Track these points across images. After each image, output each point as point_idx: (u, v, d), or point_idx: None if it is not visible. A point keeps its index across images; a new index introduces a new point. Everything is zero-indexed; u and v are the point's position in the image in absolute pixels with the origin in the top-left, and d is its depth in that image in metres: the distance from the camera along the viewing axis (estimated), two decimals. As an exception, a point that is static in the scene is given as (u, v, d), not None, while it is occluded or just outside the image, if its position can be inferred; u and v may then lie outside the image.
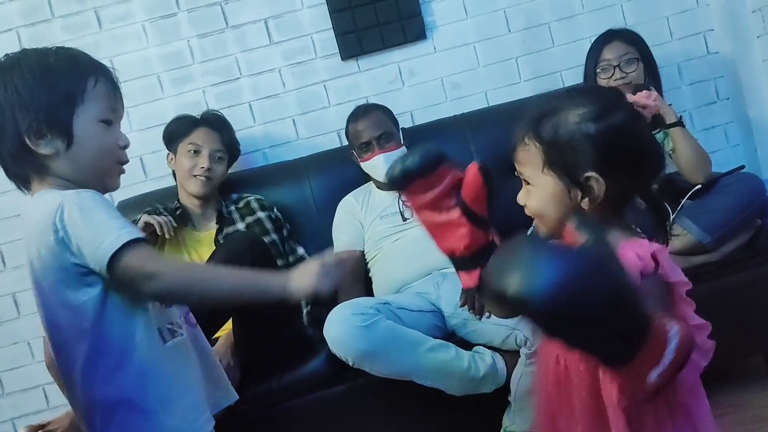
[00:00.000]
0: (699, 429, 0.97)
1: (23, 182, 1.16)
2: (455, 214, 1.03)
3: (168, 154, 2.22)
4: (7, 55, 1.14)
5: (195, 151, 2.13)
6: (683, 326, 0.79)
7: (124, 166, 1.22)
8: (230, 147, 2.23)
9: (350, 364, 1.69)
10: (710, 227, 1.84)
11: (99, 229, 1.06)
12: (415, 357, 1.68)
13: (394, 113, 2.27)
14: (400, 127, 2.27)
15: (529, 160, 0.99)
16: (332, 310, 1.74)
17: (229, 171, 2.37)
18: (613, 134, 0.95)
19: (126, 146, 1.20)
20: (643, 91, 1.89)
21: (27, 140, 1.10)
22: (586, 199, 0.96)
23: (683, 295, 0.92)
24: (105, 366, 1.11)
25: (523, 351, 1.70)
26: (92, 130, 1.14)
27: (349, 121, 2.23)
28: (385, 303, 1.81)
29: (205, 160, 2.12)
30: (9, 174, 1.16)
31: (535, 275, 0.72)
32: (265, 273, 1.19)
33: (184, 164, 2.14)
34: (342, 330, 1.68)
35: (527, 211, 1.04)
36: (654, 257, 0.91)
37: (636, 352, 0.74)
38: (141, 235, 1.09)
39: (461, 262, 1.06)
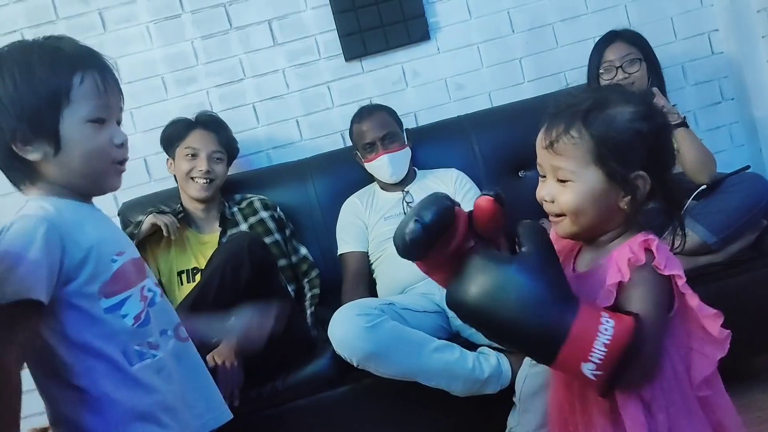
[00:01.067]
0: (724, 422, 0.97)
1: (19, 185, 1.12)
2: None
3: (167, 159, 2.22)
4: None
5: (193, 155, 2.12)
6: (622, 321, 0.86)
7: (127, 165, 1.15)
8: (228, 146, 2.22)
9: (355, 364, 1.69)
10: (715, 228, 1.84)
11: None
12: (419, 358, 1.68)
13: (398, 114, 2.27)
14: (405, 127, 2.27)
15: (575, 153, 0.94)
16: (337, 311, 1.74)
17: (233, 172, 2.38)
18: (661, 134, 0.96)
19: (122, 144, 1.12)
20: (664, 102, 1.90)
21: (13, 147, 1.05)
22: (627, 198, 0.95)
23: (682, 286, 0.92)
24: (59, 387, 1.06)
25: None
26: (80, 133, 1.07)
27: (353, 121, 2.23)
28: (389, 303, 1.81)
29: (203, 162, 2.11)
30: (7, 177, 1.12)
31: (463, 286, 0.90)
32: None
33: (183, 168, 2.12)
34: (347, 331, 1.68)
35: (554, 208, 0.98)
36: (648, 249, 0.91)
37: (554, 352, 0.86)
38: (19, 297, 0.96)
39: None
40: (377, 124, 2.16)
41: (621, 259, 0.92)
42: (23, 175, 1.09)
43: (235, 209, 2.20)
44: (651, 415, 0.92)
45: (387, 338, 1.67)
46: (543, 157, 0.98)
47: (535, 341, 0.88)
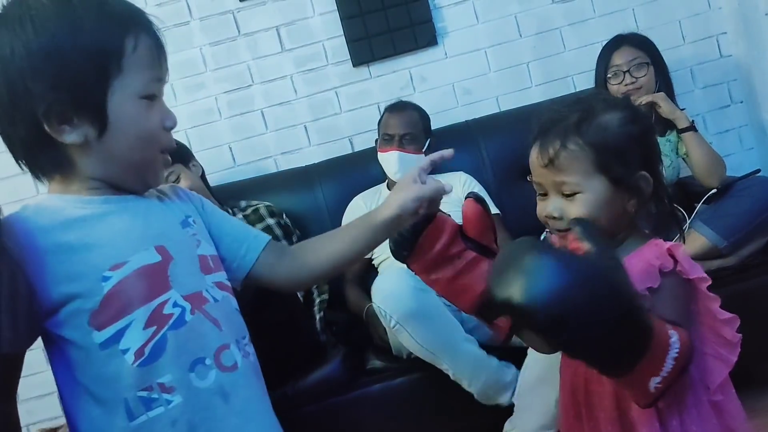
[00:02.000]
0: (734, 427, 0.97)
1: (42, 176, 0.88)
2: (470, 255, 0.98)
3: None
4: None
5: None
6: (682, 333, 0.80)
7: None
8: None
9: (391, 325, 1.65)
10: (726, 231, 1.83)
11: None
12: (453, 338, 1.66)
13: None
14: (430, 138, 2.24)
15: (577, 166, 0.94)
16: (384, 271, 1.71)
17: (242, 178, 2.39)
18: (650, 135, 0.98)
19: (172, 127, 0.90)
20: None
21: (46, 126, 0.81)
22: (634, 200, 0.95)
23: (705, 290, 0.92)
24: None
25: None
26: (132, 112, 0.84)
27: (386, 109, 2.26)
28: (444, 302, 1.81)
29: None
30: (19, 161, 0.87)
31: (539, 281, 0.70)
32: None
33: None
34: (395, 286, 1.65)
35: (562, 225, 0.96)
36: (671, 254, 0.91)
37: (636, 362, 0.75)
38: None
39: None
40: (403, 121, 2.18)
41: (645, 265, 0.91)
42: (51, 165, 0.86)
43: (240, 216, 2.20)
44: (663, 421, 0.92)
45: (432, 306, 1.65)
46: (542, 175, 0.98)
47: (627, 341, 0.75)
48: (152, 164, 0.91)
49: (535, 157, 0.99)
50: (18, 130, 0.83)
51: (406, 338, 1.66)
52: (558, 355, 1.56)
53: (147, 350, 0.83)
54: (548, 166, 0.96)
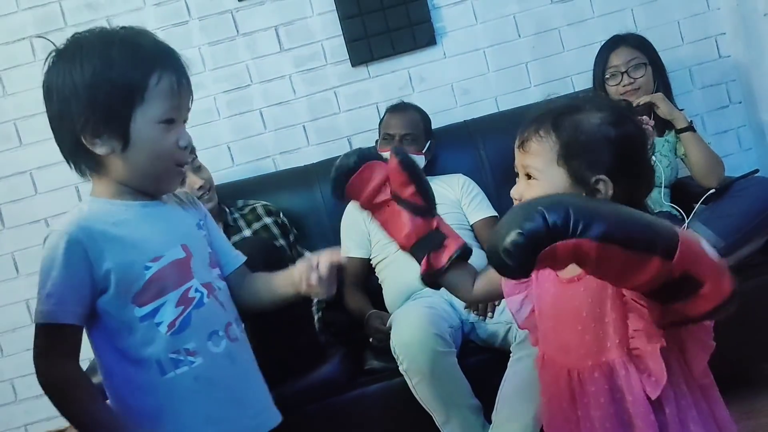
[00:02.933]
0: (717, 413, 0.98)
1: (83, 174, 1.12)
2: (394, 206, 1.08)
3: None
4: (74, 36, 1.08)
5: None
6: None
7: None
8: None
9: (401, 368, 1.66)
10: (724, 232, 1.83)
11: (38, 289, 1.05)
12: (455, 404, 1.66)
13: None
14: (431, 140, 2.25)
15: (542, 152, 0.98)
16: (407, 311, 1.74)
17: (241, 177, 2.39)
18: (629, 141, 0.97)
19: (187, 147, 1.12)
20: (644, 117, 1.89)
21: (82, 138, 1.04)
22: None
23: None
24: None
25: (513, 347, 1.69)
26: (150, 134, 1.06)
27: (387, 110, 2.27)
28: (449, 303, 1.83)
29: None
30: (68, 161, 1.11)
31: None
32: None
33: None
34: (417, 338, 1.64)
35: None
36: None
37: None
38: (49, 321, 1.03)
39: (411, 252, 1.10)
40: (404, 122, 2.19)
41: None
42: (87, 166, 1.09)
43: (237, 215, 2.19)
44: (660, 410, 0.93)
45: (446, 368, 1.65)
46: (517, 156, 1.03)
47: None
48: (167, 176, 1.13)
49: (517, 139, 1.04)
50: (64, 139, 1.07)
51: (409, 384, 1.67)
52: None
53: (177, 323, 1.07)
54: (520, 147, 1.01)
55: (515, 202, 1.02)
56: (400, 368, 1.67)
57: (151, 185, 1.12)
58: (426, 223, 1.08)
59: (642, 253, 0.76)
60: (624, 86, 2.12)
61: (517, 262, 0.76)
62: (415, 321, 1.69)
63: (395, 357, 1.68)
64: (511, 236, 0.75)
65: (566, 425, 1.03)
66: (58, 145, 1.10)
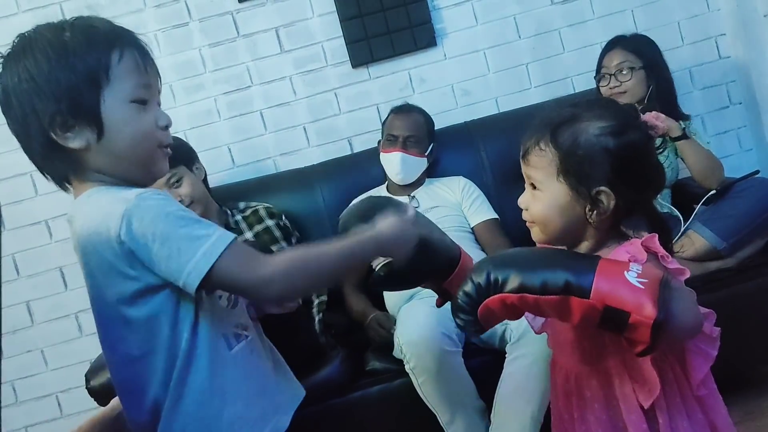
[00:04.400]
0: (717, 423, 0.97)
1: (62, 182, 1.03)
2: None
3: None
4: (20, 35, 1.00)
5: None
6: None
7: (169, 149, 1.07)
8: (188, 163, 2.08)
9: (407, 367, 1.66)
10: (725, 233, 1.83)
11: (180, 247, 0.93)
12: (460, 403, 1.66)
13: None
14: (433, 143, 2.25)
15: (543, 165, 0.98)
16: (414, 310, 1.73)
17: (241, 179, 2.39)
18: (629, 151, 0.96)
19: (167, 126, 1.05)
20: (653, 112, 1.88)
21: (53, 135, 0.96)
22: (594, 212, 0.96)
23: (683, 282, 0.93)
24: (177, 384, 1.00)
25: (507, 347, 1.69)
26: (124, 114, 0.99)
27: (391, 111, 2.27)
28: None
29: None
30: (45, 175, 1.03)
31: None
32: (352, 236, 1.09)
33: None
34: (424, 336, 1.65)
35: (527, 216, 1.03)
36: (647, 248, 0.92)
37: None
38: (228, 238, 0.95)
39: None
40: (408, 124, 2.19)
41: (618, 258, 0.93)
42: (66, 167, 1.01)
43: (239, 217, 2.19)
44: (652, 419, 0.93)
45: (453, 367, 1.66)
46: (522, 166, 1.04)
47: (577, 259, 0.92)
48: (152, 159, 1.04)
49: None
50: (33, 143, 0.99)
51: (414, 383, 1.67)
52: (535, 368, 1.59)
53: (233, 298, 1.09)
54: (523, 158, 1.02)
55: (523, 212, 1.03)
56: (406, 367, 1.67)
57: (138, 172, 1.03)
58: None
59: (559, 296, 0.85)
60: (611, 88, 2.12)
61: (464, 322, 0.94)
62: (422, 319, 1.69)
63: (401, 355, 1.68)
64: (457, 298, 0.94)
65: (561, 424, 1.04)
66: (28, 154, 1.02)
